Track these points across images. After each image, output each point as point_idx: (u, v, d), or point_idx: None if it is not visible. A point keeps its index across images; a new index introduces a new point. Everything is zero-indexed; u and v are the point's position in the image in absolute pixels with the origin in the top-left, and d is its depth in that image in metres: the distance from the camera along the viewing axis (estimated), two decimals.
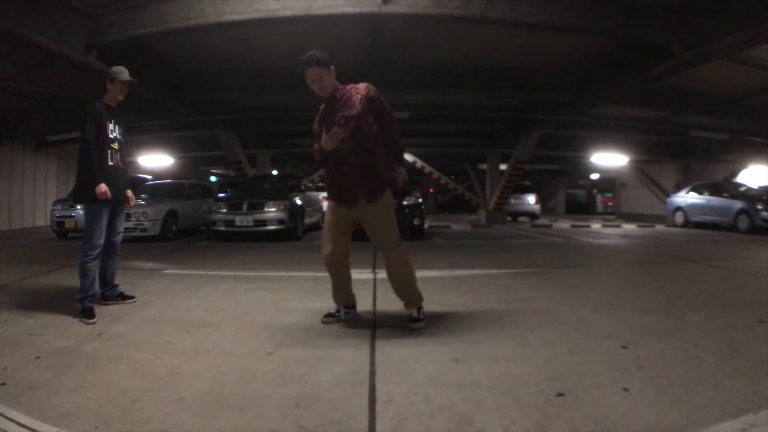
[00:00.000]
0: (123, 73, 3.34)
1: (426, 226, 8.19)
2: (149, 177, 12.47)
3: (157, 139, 13.43)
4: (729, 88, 9.58)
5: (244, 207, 8.31)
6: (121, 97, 3.37)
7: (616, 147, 14.64)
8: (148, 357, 2.33)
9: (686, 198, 12.60)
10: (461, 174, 21.97)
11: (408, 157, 15.10)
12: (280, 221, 8.24)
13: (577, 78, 9.20)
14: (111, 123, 3.28)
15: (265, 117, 12.55)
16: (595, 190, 26.75)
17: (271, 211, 8.24)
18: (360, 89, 2.76)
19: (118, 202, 3.36)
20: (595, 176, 24.66)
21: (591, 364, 2.20)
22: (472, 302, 3.49)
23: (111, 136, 3.27)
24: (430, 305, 3.16)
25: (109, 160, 3.25)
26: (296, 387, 1.97)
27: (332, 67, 2.75)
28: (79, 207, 8.10)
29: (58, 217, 8.95)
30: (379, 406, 1.79)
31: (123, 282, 3.60)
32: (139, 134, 11.23)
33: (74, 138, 10.75)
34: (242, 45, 7.65)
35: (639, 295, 3.75)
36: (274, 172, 16.09)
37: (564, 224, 13.91)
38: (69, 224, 8.83)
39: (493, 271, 4.92)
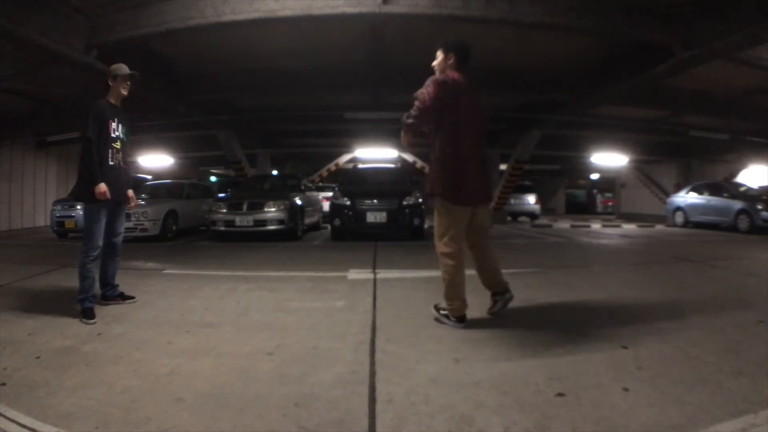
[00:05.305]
0: (123, 68, 3.35)
1: (426, 226, 8.19)
2: (149, 177, 12.48)
3: (157, 139, 13.43)
4: (729, 88, 9.56)
5: (244, 207, 8.30)
6: (124, 93, 3.37)
7: (616, 147, 14.64)
8: (148, 357, 2.33)
9: (686, 198, 12.59)
10: None
11: (408, 157, 15.11)
12: (280, 221, 8.23)
13: (577, 78, 9.19)
14: (114, 122, 3.27)
15: (265, 117, 12.54)
16: (595, 190, 26.72)
17: (271, 211, 8.23)
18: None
19: (118, 203, 3.35)
20: (595, 176, 24.64)
21: (591, 364, 2.20)
22: (472, 302, 3.48)
23: (113, 135, 3.26)
24: (429, 305, 3.16)
25: (110, 159, 3.23)
26: (296, 387, 1.97)
27: (450, 54, 2.89)
28: (78, 207, 8.10)
29: (58, 217, 8.95)
30: (379, 406, 1.79)
31: (123, 282, 3.59)
32: (140, 134, 11.22)
33: (74, 138, 10.78)
34: (242, 45, 7.64)
35: (639, 295, 3.75)
36: (274, 172, 16.09)
37: (564, 224, 13.90)
38: (69, 224, 8.83)
39: None
